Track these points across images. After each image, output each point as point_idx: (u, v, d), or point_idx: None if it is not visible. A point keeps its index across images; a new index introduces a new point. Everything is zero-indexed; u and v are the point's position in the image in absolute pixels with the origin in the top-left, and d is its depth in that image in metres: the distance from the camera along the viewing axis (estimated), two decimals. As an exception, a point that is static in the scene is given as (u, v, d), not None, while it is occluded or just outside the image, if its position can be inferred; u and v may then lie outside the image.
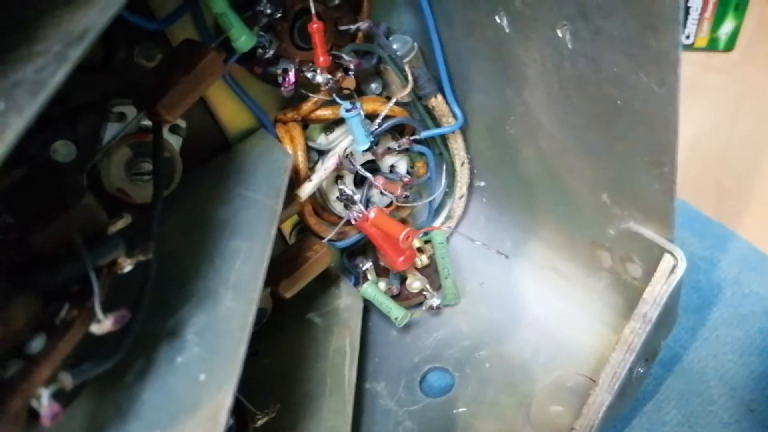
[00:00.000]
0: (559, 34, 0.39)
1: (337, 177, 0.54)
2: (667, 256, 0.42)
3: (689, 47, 0.84)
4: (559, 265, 0.54)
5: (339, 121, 0.51)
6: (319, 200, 0.54)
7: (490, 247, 0.49)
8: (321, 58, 0.44)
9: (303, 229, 0.56)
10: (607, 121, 0.40)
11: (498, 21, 0.43)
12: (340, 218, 0.54)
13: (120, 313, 0.29)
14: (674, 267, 0.42)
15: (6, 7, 0.35)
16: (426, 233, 0.58)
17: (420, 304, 0.58)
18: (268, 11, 0.42)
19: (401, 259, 0.51)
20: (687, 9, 0.82)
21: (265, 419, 0.43)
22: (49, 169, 0.34)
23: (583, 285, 0.52)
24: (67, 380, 0.28)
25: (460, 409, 0.51)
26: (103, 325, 0.29)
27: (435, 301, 0.56)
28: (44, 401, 0.27)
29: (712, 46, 0.84)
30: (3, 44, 0.31)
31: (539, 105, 0.45)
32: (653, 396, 0.53)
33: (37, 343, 0.28)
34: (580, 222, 0.49)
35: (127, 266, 0.32)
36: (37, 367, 0.27)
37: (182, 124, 0.46)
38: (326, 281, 0.59)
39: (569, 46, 0.39)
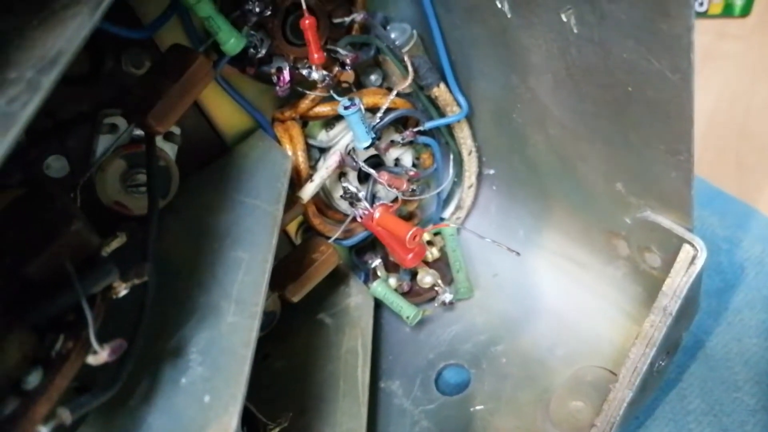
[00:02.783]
0: (564, 18, 0.37)
1: (341, 174, 0.52)
2: (686, 247, 0.40)
3: (703, 14, 0.80)
4: (575, 254, 0.52)
5: (339, 117, 0.49)
6: (323, 198, 0.53)
7: (501, 244, 0.47)
8: (315, 56, 0.43)
9: (309, 228, 0.54)
10: (619, 109, 0.38)
11: (499, 6, 0.41)
12: (346, 216, 0.53)
13: (116, 343, 0.28)
14: (694, 258, 0.40)
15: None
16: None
17: (432, 299, 0.57)
18: (257, 10, 0.40)
19: (410, 256, 0.49)
20: (699, -27, 0.79)
21: (277, 429, 0.42)
22: (38, 191, 0.33)
23: (601, 273, 0.50)
24: (65, 415, 0.27)
25: (478, 407, 0.50)
26: (100, 356, 0.28)
27: (447, 297, 0.55)
28: (43, 440, 0.26)
29: (727, 12, 0.80)
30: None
31: (546, 92, 0.43)
32: (676, 384, 0.52)
33: (33, 378, 0.27)
34: (595, 210, 0.47)
35: (123, 291, 0.31)
36: (35, 405, 0.26)
37: (176, 131, 0.44)
38: (335, 280, 0.57)
39: (574, 31, 0.37)
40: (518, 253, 0.47)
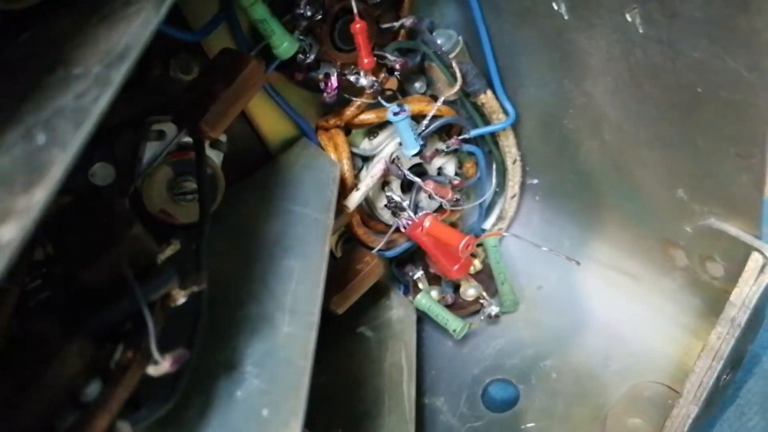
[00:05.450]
0: (629, 18, 0.36)
1: (384, 183, 0.51)
2: (755, 255, 0.38)
3: None
4: (626, 265, 0.50)
5: (382, 125, 0.49)
6: (365, 209, 0.52)
7: (560, 253, 0.45)
8: (365, 60, 0.42)
9: (348, 240, 0.53)
10: (686, 111, 0.36)
11: (555, 8, 0.40)
12: (388, 226, 0.52)
13: (178, 352, 0.27)
14: (764, 266, 0.38)
15: (35, 22, 0.33)
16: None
17: (475, 312, 0.55)
18: (309, 14, 0.40)
19: (456, 267, 0.48)
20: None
21: (327, 447, 0.40)
22: (93, 196, 0.32)
23: (655, 285, 0.48)
24: (125, 429, 0.26)
25: (529, 424, 0.48)
26: (161, 366, 0.27)
27: (494, 309, 0.53)
28: (104, 455, 0.25)
29: None
30: (37, 66, 0.29)
31: (604, 96, 0.41)
32: (734, 401, 0.50)
33: (92, 390, 0.26)
34: (651, 219, 0.45)
35: (181, 299, 0.29)
36: (94, 418, 0.25)
37: (223, 138, 0.43)
38: (376, 292, 0.56)
39: (640, 31, 0.35)
40: (578, 263, 0.46)
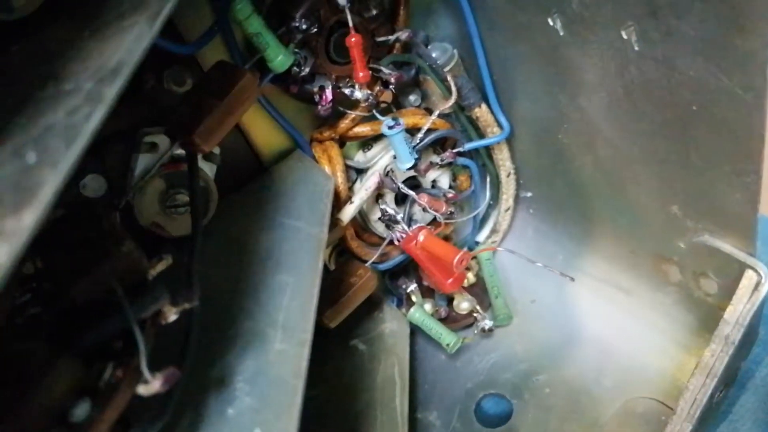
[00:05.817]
0: (624, 35, 0.36)
1: (378, 196, 0.51)
2: (749, 272, 0.38)
3: None
4: (620, 279, 0.50)
5: (377, 137, 0.48)
6: (359, 221, 0.51)
7: (554, 269, 0.45)
8: (361, 74, 0.42)
9: (342, 252, 0.53)
10: (680, 128, 0.37)
11: (551, 24, 0.40)
12: (382, 239, 0.51)
13: (169, 371, 0.26)
14: (758, 284, 0.38)
15: (26, 34, 0.33)
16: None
17: (469, 326, 0.55)
18: (304, 27, 0.40)
19: (450, 281, 0.48)
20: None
21: (318, 463, 0.40)
22: (84, 208, 0.32)
23: (648, 300, 0.48)
24: (115, 451, 0.25)
25: (522, 440, 0.48)
26: (152, 386, 0.26)
27: (487, 323, 0.53)
28: (92, 477, 0.24)
29: None
30: (27, 80, 0.28)
31: (598, 111, 0.41)
32: (726, 416, 0.49)
33: (81, 411, 0.25)
34: (645, 235, 0.45)
35: (172, 316, 0.29)
36: (83, 439, 0.25)
37: (216, 150, 0.43)
38: (369, 305, 0.55)
39: (635, 48, 0.36)
40: (572, 279, 0.46)
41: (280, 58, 0.38)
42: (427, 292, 0.56)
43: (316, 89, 0.43)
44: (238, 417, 0.32)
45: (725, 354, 0.39)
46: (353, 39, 0.41)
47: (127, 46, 0.25)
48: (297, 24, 0.39)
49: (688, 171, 0.38)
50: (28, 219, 0.18)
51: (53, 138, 0.21)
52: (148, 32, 0.26)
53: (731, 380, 0.43)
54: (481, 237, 0.59)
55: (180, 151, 0.40)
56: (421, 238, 0.45)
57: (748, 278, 0.38)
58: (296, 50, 0.41)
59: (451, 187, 0.53)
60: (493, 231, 0.58)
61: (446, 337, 0.50)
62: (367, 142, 0.49)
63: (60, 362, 0.25)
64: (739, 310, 0.39)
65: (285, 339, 0.34)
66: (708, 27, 0.31)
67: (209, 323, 0.36)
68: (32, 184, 0.19)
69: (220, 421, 0.32)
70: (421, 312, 0.52)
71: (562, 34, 0.39)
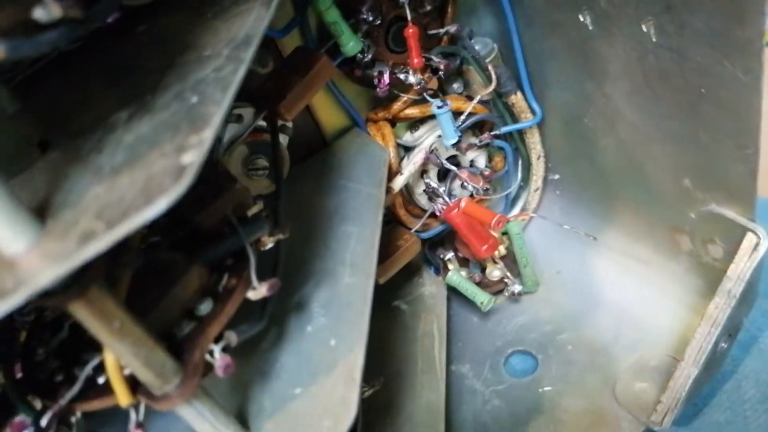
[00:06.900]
0: (644, 28, 0.42)
1: (422, 172, 0.57)
2: (749, 235, 0.44)
3: None
4: (637, 251, 0.56)
5: (423, 120, 0.55)
6: (404, 194, 0.58)
7: (579, 230, 0.51)
8: (416, 60, 0.48)
9: (387, 222, 0.60)
10: (691, 109, 0.43)
11: (582, 20, 0.46)
12: (424, 211, 0.58)
13: (272, 281, 0.33)
14: (757, 245, 0.44)
15: (149, 18, 0.40)
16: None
17: (500, 291, 0.61)
18: (370, 18, 0.47)
19: (485, 247, 0.54)
20: None
21: (371, 391, 0.46)
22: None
23: (663, 269, 0.54)
24: (232, 338, 0.32)
25: (546, 388, 0.54)
26: (259, 291, 0.33)
27: (517, 288, 0.59)
28: (217, 355, 0.31)
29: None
30: (162, 51, 0.36)
31: (621, 97, 0.48)
32: (732, 375, 0.55)
33: (205, 307, 0.32)
34: (660, 208, 0.51)
35: (269, 243, 0.36)
36: (209, 327, 0.31)
37: (289, 123, 0.50)
38: (409, 271, 0.62)
39: (653, 39, 0.42)
40: (595, 238, 0.52)
41: (351, 44, 0.45)
42: (462, 262, 0.62)
43: (375, 74, 0.50)
44: (316, 332, 0.38)
45: (728, 306, 0.45)
46: (411, 30, 0.48)
47: (251, 23, 0.32)
48: (364, 16, 0.46)
49: (698, 147, 0.44)
50: (207, 134, 0.24)
51: (208, 86, 0.28)
52: (266, 14, 0.33)
53: (734, 332, 0.48)
54: (512, 215, 0.65)
55: (261, 123, 0.47)
56: (462, 204, 0.52)
57: (749, 240, 0.44)
58: (361, 39, 0.48)
59: (487, 166, 0.60)
60: (523, 210, 0.65)
61: (480, 296, 0.56)
62: (414, 124, 0.56)
63: (193, 269, 0.32)
64: (740, 268, 0.44)
65: (353, 274, 0.41)
66: (714, 20, 0.37)
67: (287, 263, 0.43)
68: (203, 114, 0.26)
69: (301, 336, 0.38)
70: (458, 275, 0.58)
71: (591, 28, 0.46)
